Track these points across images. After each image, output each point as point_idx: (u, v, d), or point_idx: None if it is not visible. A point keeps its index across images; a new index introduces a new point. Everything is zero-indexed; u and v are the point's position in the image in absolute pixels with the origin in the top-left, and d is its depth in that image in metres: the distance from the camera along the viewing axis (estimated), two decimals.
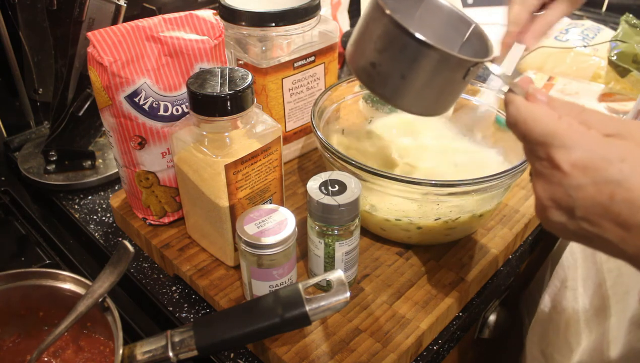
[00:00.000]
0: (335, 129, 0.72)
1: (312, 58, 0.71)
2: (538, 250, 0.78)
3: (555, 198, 0.37)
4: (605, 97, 0.93)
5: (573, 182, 0.35)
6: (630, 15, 1.03)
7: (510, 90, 0.41)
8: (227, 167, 0.52)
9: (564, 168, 0.36)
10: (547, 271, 0.82)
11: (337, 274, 0.47)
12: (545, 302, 0.75)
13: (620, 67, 0.93)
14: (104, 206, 0.75)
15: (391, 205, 0.59)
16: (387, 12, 0.44)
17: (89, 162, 0.79)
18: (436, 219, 0.59)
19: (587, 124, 0.37)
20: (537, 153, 0.38)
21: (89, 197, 0.77)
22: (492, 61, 0.46)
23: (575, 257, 0.71)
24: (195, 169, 0.55)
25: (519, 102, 0.39)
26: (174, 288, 0.62)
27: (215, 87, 0.51)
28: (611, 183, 0.34)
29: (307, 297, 0.46)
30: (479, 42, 0.52)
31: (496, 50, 0.51)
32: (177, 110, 0.59)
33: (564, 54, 0.99)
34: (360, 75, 0.49)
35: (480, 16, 0.55)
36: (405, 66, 0.45)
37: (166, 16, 0.58)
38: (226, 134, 0.54)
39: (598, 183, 0.34)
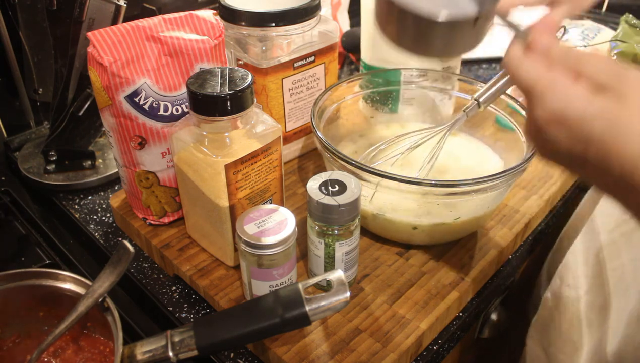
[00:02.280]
0: (340, 132, 0.72)
1: (312, 58, 0.71)
2: (538, 250, 0.78)
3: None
4: None
5: (549, 136, 0.37)
6: (630, 15, 1.03)
7: (514, 37, 0.42)
8: (227, 167, 0.52)
9: (539, 122, 0.37)
10: (546, 270, 0.82)
11: (337, 274, 0.47)
12: (546, 301, 0.75)
13: None
14: (104, 206, 0.75)
15: (391, 205, 0.59)
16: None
17: (89, 162, 0.79)
18: (436, 219, 0.59)
19: (580, 73, 0.37)
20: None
21: (89, 197, 0.77)
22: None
23: (576, 256, 0.71)
24: (195, 169, 0.55)
25: (513, 51, 0.40)
26: (174, 288, 0.62)
27: (215, 87, 0.51)
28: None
29: (307, 297, 0.46)
30: None
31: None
32: (177, 110, 0.59)
33: None
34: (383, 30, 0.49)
35: None
36: (422, 31, 0.46)
37: (166, 16, 0.58)
38: (226, 134, 0.54)
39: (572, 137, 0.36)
